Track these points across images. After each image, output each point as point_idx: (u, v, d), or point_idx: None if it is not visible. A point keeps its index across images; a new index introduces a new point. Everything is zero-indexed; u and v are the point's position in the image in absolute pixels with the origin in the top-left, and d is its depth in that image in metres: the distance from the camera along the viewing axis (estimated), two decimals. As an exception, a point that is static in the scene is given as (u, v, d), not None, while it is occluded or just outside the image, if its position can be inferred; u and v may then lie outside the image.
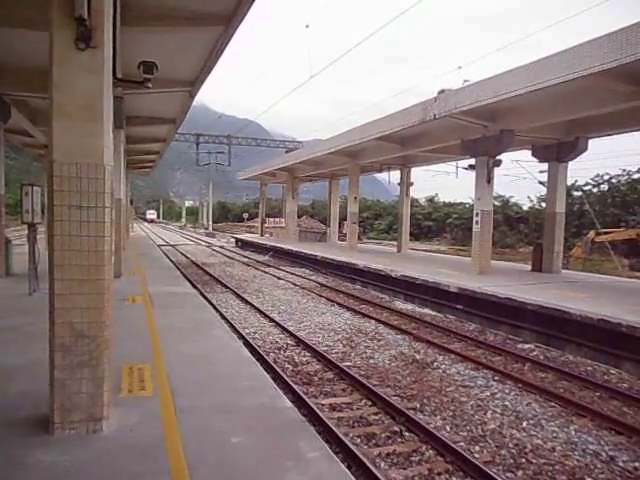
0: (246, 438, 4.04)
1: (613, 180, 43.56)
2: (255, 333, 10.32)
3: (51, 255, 3.86)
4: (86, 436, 3.90)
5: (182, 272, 17.98)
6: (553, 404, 6.80)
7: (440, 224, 56.25)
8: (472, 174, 15.88)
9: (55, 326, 3.84)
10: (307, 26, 19.27)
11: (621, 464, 5.16)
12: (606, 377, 8.20)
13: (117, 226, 13.08)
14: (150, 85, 5.11)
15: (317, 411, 5.98)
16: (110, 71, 3.94)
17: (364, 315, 12.48)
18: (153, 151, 25.81)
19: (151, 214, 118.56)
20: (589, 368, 8.63)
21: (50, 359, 3.87)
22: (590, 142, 15.76)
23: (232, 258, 28.21)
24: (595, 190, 44.43)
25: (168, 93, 12.43)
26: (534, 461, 5.16)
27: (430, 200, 63.42)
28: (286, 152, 38.69)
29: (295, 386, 6.87)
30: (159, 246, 31.55)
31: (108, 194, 3.90)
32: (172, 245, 36.17)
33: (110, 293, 4.04)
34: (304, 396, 6.49)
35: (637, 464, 5.17)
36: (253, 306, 13.17)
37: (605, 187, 43.88)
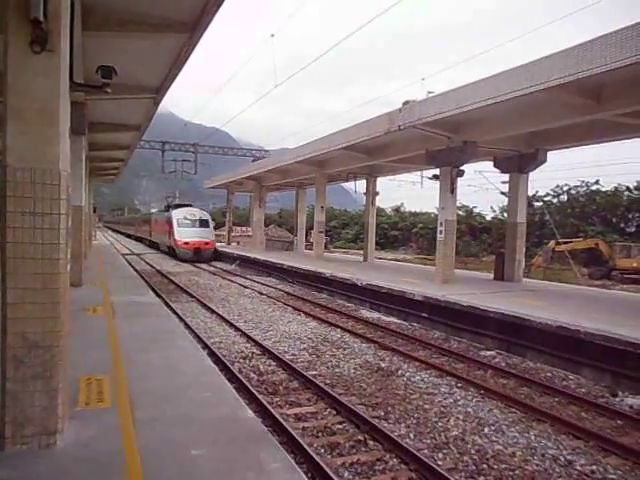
0: (206, 450, 3.97)
1: (572, 191, 45.03)
2: (220, 343, 10.19)
3: (3, 263, 3.73)
4: (39, 451, 3.76)
5: (146, 281, 17.65)
6: (514, 410, 6.91)
7: (406, 233, 57.01)
8: (437, 184, 16.13)
9: (7, 336, 3.71)
10: (272, 35, 19.24)
11: (579, 467, 5.28)
12: (565, 383, 8.39)
13: (78, 234, 12.78)
14: (109, 90, 5.02)
15: (282, 421, 5.92)
16: (67, 75, 3.87)
17: (330, 324, 12.47)
18: (117, 158, 25.36)
19: (187, 219, 32.66)
20: (549, 374, 8.82)
21: (1, 371, 3.73)
22: (551, 154, 16.23)
23: (198, 267, 27.85)
24: (555, 201, 45.81)
25: (132, 100, 12.27)
26: (495, 467, 5.23)
27: (396, 210, 64.20)
28: (253, 161, 38.56)
29: (260, 396, 6.80)
30: (123, 255, 30.90)
31: (63, 200, 3.80)
32: (137, 254, 35.48)
33: (66, 302, 3.93)
34: (269, 406, 6.42)
35: (594, 467, 5.29)
36: (219, 315, 13.01)
37: (565, 198, 45.29)
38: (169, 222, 32.88)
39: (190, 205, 37.17)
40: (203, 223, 33.06)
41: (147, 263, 28.75)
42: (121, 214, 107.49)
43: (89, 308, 9.93)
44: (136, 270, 21.65)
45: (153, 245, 41.41)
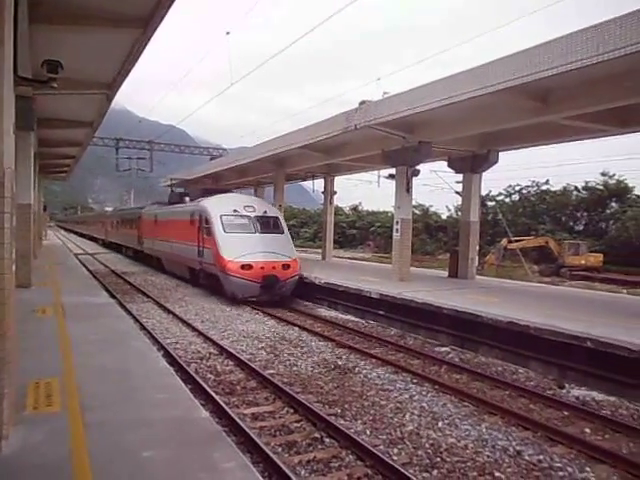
0: (158, 452, 3.92)
1: (523, 191, 46.49)
2: (177, 343, 10.05)
3: (-57, 264, 3.58)
4: (-17, 458, 3.63)
5: (100, 281, 17.22)
6: (467, 404, 7.10)
7: (364, 232, 57.54)
8: (393, 183, 16.33)
9: (-52, 340, 3.56)
10: (228, 33, 19.01)
11: (527, 458, 5.47)
12: (515, 376, 8.67)
13: (26, 233, 12.35)
14: (55, 85, 4.88)
15: (238, 421, 5.89)
16: (11, 69, 3.73)
17: (288, 322, 12.49)
18: (69, 155, 24.55)
19: (242, 217, 15.96)
20: (500, 368, 9.08)
21: (-58, 376, 3.58)
22: (503, 154, 16.68)
23: (155, 267, 27.26)
24: (507, 200, 47.17)
25: (84, 95, 11.90)
26: (448, 459, 5.36)
27: (354, 209, 64.66)
28: (211, 159, 38.03)
29: (217, 396, 6.75)
30: (76, 255, 29.97)
31: (8, 199, 3.67)
32: (90, 254, 34.49)
33: (11, 303, 3.80)
34: (225, 406, 6.38)
35: (541, 457, 5.49)
36: (175, 315, 12.83)
37: (516, 197, 46.71)
38: (199, 222, 17.01)
39: (228, 191, 21.25)
40: (270, 224, 16.76)
41: (101, 263, 28.00)
42: (74, 213, 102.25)
43: (38, 309, 9.62)
44: (89, 270, 21.06)
45: (146, 259, 25.80)
